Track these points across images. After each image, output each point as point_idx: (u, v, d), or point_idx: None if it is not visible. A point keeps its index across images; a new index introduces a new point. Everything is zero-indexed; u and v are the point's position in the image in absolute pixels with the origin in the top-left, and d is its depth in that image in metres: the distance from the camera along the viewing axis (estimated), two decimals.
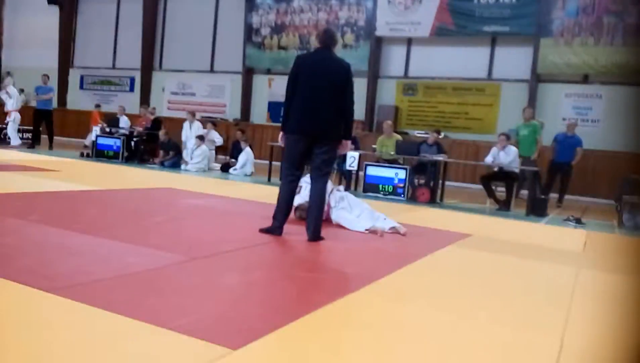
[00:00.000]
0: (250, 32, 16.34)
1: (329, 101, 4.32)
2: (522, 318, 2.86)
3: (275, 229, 4.47)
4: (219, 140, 12.31)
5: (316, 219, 4.41)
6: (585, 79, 12.82)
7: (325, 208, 5.53)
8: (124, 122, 13.41)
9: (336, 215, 5.47)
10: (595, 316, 3.09)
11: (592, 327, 2.85)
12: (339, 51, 14.99)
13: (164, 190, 7.22)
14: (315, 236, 4.40)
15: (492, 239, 5.55)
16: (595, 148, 11.43)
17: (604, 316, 3.08)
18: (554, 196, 9.97)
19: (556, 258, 4.69)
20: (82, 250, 3.41)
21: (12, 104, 12.97)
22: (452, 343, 2.37)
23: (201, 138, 11.29)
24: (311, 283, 3.24)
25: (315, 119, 4.31)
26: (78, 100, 19.61)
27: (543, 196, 8.85)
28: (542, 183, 9.98)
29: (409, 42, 14.65)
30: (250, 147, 11.42)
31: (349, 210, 5.50)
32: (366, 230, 5.16)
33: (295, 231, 4.59)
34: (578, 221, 7.67)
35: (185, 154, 11.37)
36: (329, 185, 5.72)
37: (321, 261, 3.93)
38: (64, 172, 8.20)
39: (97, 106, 15.95)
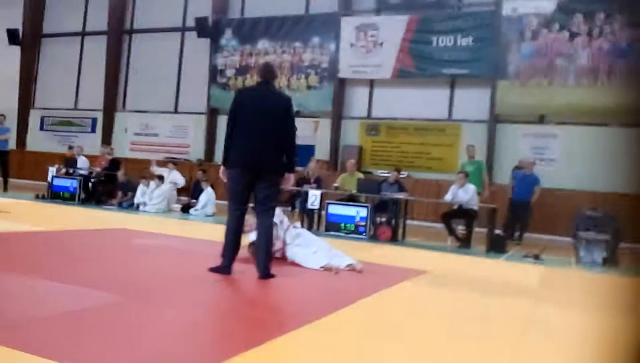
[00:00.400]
0: (215, 73, 16.40)
1: (270, 135, 4.29)
2: (462, 353, 2.78)
3: (224, 268, 4.32)
4: (181, 181, 12.11)
5: (265, 255, 4.30)
6: (541, 119, 13.19)
7: (281, 245, 5.44)
8: (82, 162, 13.09)
9: (291, 252, 5.35)
10: (543, 350, 3.03)
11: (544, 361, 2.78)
12: (303, 92, 15.17)
13: (117, 230, 6.99)
14: (265, 273, 4.27)
15: (448, 275, 5.50)
16: (552, 186, 11.64)
17: (559, 348, 3.02)
18: (531, 236, 10.09)
19: (510, 294, 4.66)
20: (15, 291, 3.21)
21: None
22: None
23: (160, 177, 11.09)
24: (249, 322, 3.10)
25: (256, 153, 4.26)
26: (38, 141, 19.18)
27: (504, 234, 8.91)
28: (504, 222, 10.09)
29: (372, 83, 14.90)
30: (212, 187, 11.25)
31: (305, 247, 5.39)
32: (321, 267, 5.05)
33: (246, 269, 4.45)
34: (536, 258, 7.71)
35: (140, 195, 10.99)
36: (285, 222, 5.64)
37: (265, 299, 3.80)
38: (13, 213, 7.89)
39: (70, 148, 15.22)
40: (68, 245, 5.52)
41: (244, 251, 4.52)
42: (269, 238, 4.38)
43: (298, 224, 5.80)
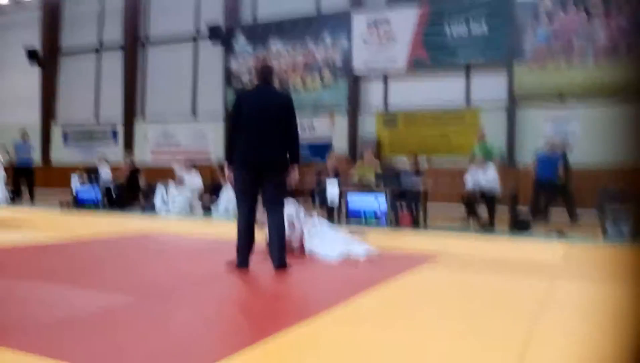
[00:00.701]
0: (229, 77, 16.51)
1: (272, 134, 4.34)
2: (482, 335, 2.73)
3: (240, 263, 4.36)
4: (199, 184, 12.20)
5: (280, 247, 4.32)
6: (561, 100, 12.93)
7: (298, 237, 5.44)
8: (105, 173, 13.25)
9: (310, 243, 5.36)
10: (564, 326, 2.96)
11: (559, 338, 2.72)
12: (318, 90, 15.18)
13: (139, 235, 7.08)
14: (280, 263, 4.29)
15: (466, 257, 5.42)
16: (576, 165, 11.40)
17: (575, 326, 2.95)
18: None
19: (531, 272, 4.57)
20: (29, 297, 3.28)
21: None
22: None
23: (181, 181, 11.20)
24: (266, 313, 3.11)
25: (260, 153, 4.31)
26: (62, 156, 19.58)
27: (529, 215, 8.78)
28: (530, 203, 9.95)
29: (386, 77, 14.82)
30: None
31: (323, 238, 5.39)
32: (339, 256, 5.05)
33: (262, 262, 4.47)
34: (560, 233, 7.57)
35: (159, 199, 11.11)
36: (302, 214, 5.65)
37: (282, 290, 3.80)
38: (37, 225, 8.06)
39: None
40: (89, 252, 5.61)
41: (261, 245, 4.54)
42: (281, 233, 4.41)
43: (315, 215, 5.79)
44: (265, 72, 4.57)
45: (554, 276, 4.38)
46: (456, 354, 2.34)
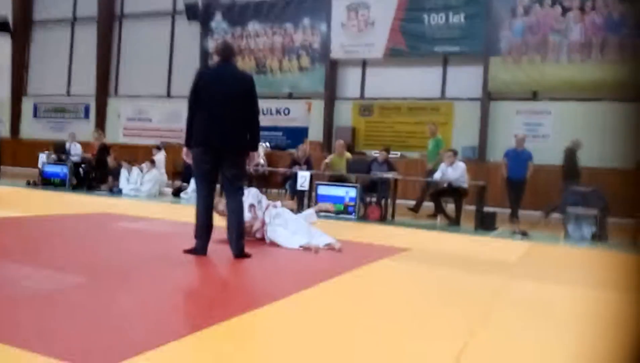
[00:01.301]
0: (206, 56, 16.24)
1: (234, 113, 4.25)
2: (429, 329, 2.75)
3: (199, 249, 4.31)
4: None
5: (238, 235, 4.28)
6: (534, 96, 13.07)
7: (260, 224, 5.41)
8: (75, 149, 13.03)
9: (272, 231, 5.33)
10: (509, 323, 3.00)
11: (500, 334, 2.76)
12: (295, 73, 15.05)
13: (99, 215, 6.97)
14: (239, 251, 4.25)
15: (430, 252, 5.47)
16: (546, 162, 11.57)
17: (520, 324, 2.99)
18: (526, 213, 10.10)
19: (488, 269, 4.63)
20: None
21: None
22: (341, 355, 2.25)
23: (152, 161, 11.05)
24: (215, 300, 3.09)
25: (221, 132, 4.22)
26: (32, 129, 19.13)
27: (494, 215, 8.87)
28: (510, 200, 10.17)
29: (364, 63, 14.76)
30: None
31: (285, 226, 5.37)
32: (300, 246, 5.03)
33: (221, 250, 4.43)
34: (524, 234, 7.69)
35: (124, 180, 10.93)
36: (264, 202, 5.61)
37: (237, 280, 3.78)
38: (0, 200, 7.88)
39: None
40: (46, 230, 5.50)
41: (222, 233, 4.49)
42: (240, 217, 4.36)
43: (278, 204, 5.76)
44: (226, 50, 4.47)
45: (510, 273, 4.44)
46: (395, 346, 2.34)
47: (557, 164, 11.52)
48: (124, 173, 10.91)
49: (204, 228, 4.29)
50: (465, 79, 13.58)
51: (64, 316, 2.51)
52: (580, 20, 12.07)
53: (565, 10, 12.19)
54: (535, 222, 10.14)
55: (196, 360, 2.14)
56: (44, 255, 4.05)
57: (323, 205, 5.08)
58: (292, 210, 5.94)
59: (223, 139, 4.22)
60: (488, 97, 13.20)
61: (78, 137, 13.70)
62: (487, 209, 8.84)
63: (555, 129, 12.64)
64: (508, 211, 10.45)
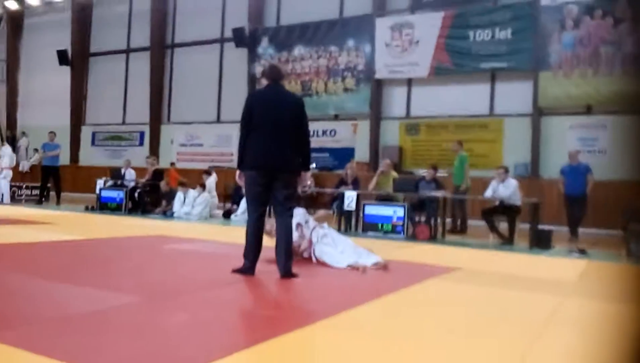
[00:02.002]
0: (254, 81, 16.61)
1: (284, 135, 4.29)
2: (481, 348, 2.67)
3: (247, 269, 4.35)
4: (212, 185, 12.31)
5: (286, 254, 4.29)
6: (588, 110, 12.64)
7: (307, 244, 5.42)
8: (130, 175, 13.48)
9: (319, 251, 5.32)
10: (566, 343, 2.87)
11: (556, 355, 2.64)
12: (340, 95, 15.16)
13: (153, 237, 7.15)
14: (286, 272, 4.26)
15: (481, 272, 5.32)
16: (604, 178, 11.13)
17: (576, 343, 2.86)
18: (585, 231, 9.74)
19: (544, 288, 4.46)
20: (36, 295, 3.33)
21: (5, 161, 13.32)
22: None
23: (202, 185, 11.31)
24: (264, 319, 3.09)
25: (273, 154, 4.26)
26: (90, 156, 19.99)
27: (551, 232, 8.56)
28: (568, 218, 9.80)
29: (409, 82, 14.72)
30: None
31: (333, 246, 5.35)
32: (348, 266, 5.00)
33: (269, 270, 4.45)
34: (582, 252, 7.38)
35: (178, 203, 11.21)
36: (311, 222, 5.63)
37: (285, 298, 3.78)
38: (57, 224, 8.21)
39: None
40: (101, 252, 5.69)
41: (270, 253, 4.52)
42: (289, 237, 4.37)
43: (325, 225, 5.75)
44: (274, 72, 4.54)
45: (567, 294, 4.26)
46: None
47: (616, 180, 11.08)
48: (179, 196, 11.17)
49: (253, 248, 4.33)
50: (514, 95, 13.32)
51: (116, 334, 2.57)
52: (633, 31, 11.66)
53: (617, 22, 11.83)
54: (595, 240, 9.72)
55: None
56: (97, 276, 4.18)
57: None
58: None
59: (276, 161, 4.26)
60: (539, 112, 12.88)
61: (133, 163, 14.18)
62: (542, 227, 8.57)
63: (612, 144, 12.17)
64: (565, 229, 10.07)
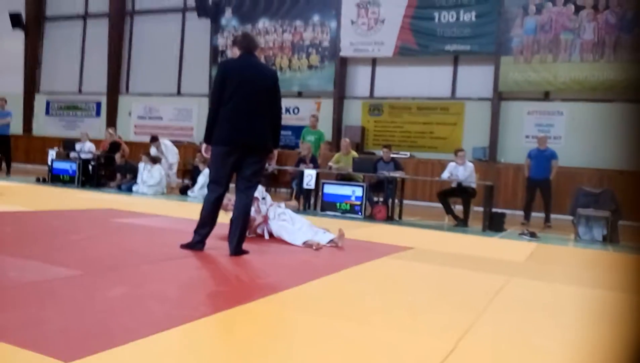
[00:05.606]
0: (216, 54, 16.26)
1: (260, 110, 4.09)
2: (423, 324, 2.68)
3: (196, 243, 4.25)
4: (172, 158, 12.02)
5: (240, 232, 4.18)
6: (546, 96, 12.89)
7: (261, 219, 5.36)
8: (89, 147, 12.95)
9: (277, 227, 5.28)
10: (506, 321, 2.91)
11: (495, 332, 2.67)
12: (304, 71, 15.00)
13: (101, 211, 6.95)
14: (237, 249, 4.18)
15: (434, 251, 5.38)
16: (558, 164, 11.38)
17: (516, 322, 2.90)
18: (537, 215, 9.84)
19: (492, 268, 4.53)
20: None
21: None
22: (336, 348, 2.18)
23: (149, 155, 10.99)
24: (207, 295, 3.03)
25: (246, 130, 4.04)
26: (44, 126, 19.26)
27: (501, 212, 8.72)
28: (524, 203, 9.87)
29: (374, 62, 14.67)
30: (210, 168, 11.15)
31: (291, 223, 5.32)
32: (303, 243, 4.98)
33: (220, 246, 4.38)
34: (532, 235, 7.56)
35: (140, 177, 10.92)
36: (268, 198, 5.57)
37: (232, 274, 3.71)
38: (5, 195, 7.90)
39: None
40: (46, 224, 5.49)
41: (222, 229, 4.44)
42: (246, 217, 4.24)
43: (282, 204, 5.70)
44: (248, 41, 4.26)
45: (512, 274, 4.34)
46: (387, 340, 2.27)
47: (569, 166, 11.37)
48: (146, 167, 10.78)
49: (206, 224, 4.20)
50: (476, 79, 13.44)
51: (55, 307, 2.47)
52: (594, 19, 11.89)
53: (578, 9, 12.03)
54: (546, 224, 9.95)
55: (183, 349, 2.08)
56: (39, 248, 4.02)
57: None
58: (295, 210, 5.89)
59: (249, 137, 4.05)
60: (499, 97, 13.06)
61: (90, 135, 13.70)
62: (496, 210, 8.73)
63: (568, 130, 12.46)
64: (518, 212, 10.27)
